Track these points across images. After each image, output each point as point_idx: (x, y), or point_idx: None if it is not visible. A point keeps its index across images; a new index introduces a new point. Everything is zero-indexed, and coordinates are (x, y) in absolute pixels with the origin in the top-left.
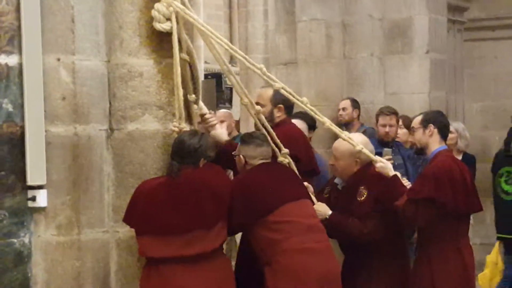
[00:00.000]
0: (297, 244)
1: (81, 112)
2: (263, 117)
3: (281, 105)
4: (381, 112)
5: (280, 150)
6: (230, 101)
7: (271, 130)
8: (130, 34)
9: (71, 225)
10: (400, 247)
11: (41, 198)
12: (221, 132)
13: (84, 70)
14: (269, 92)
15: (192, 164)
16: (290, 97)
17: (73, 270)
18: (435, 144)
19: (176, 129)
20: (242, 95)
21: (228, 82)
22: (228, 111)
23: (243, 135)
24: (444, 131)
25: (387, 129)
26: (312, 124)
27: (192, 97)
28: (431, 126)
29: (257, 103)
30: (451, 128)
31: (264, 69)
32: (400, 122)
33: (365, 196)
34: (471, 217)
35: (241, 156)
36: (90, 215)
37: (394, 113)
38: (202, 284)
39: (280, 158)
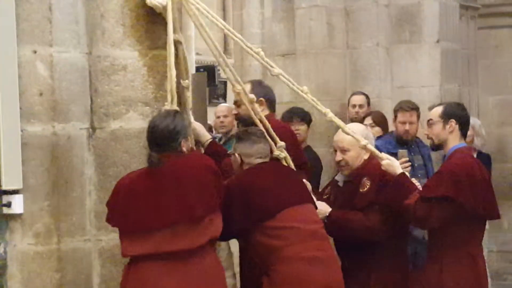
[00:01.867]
0: (298, 252)
1: (60, 109)
2: (257, 107)
3: (262, 99)
4: (400, 108)
5: (275, 143)
6: (224, 96)
7: (266, 121)
8: (112, 23)
9: (50, 233)
10: (402, 246)
11: (17, 204)
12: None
13: (62, 63)
14: (247, 87)
15: (173, 149)
16: (290, 84)
17: (53, 283)
18: (454, 140)
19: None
20: (235, 82)
21: (222, 75)
22: (230, 105)
23: (239, 132)
24: (465, 127)
25: (407, 126)
26: (310, 121)
27: (185, 82)
28: (453, 122)
29: (236, 102)
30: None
31: (262, 53)
32: (370, 120)
33: (368, 186)
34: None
35: (236, 155)
36: (70, 222)
37: (415, 108)
38: (186, 285)
39: (276, 152)
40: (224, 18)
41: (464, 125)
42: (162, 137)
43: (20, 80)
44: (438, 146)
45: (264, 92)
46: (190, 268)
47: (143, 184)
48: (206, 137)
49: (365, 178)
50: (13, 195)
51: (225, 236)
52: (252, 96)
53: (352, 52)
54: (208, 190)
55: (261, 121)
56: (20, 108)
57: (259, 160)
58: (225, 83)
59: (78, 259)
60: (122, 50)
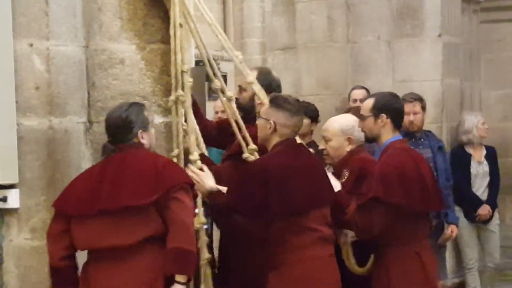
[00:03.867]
0: (314, 254)
1: (57, 103)
2: (234, 106)
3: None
4: (403, 99)
5: (247, 144)
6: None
7: (241, 121)
8: (110, 16)
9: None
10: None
11: (13, 199)
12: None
13: (59, 57)
14: (254, 73)
15: (128, 140)
16: (261, 95)
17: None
18: (387, 134)
19: (173, 98)
20: (213, 77)
21: (223, 69)
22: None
23: (275, 98)
24: (398, 119)
25: (411, 117)
26: (314, 116)
27: (185, 66)
28: (384, 116)
29: (239, 86)
30: (481, 120)
31: (241, 57)
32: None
33: (345, 177)
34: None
35: (271, 122)
36: None
37: (418, 99)
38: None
39: (245, 155)
40: (224, 12)
41: (397, 117)
42: (115, 128)
43: (17, 74)
44: (372, 140)
45: (265, 84)
46: (122, 268)
47: (93, 170)
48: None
49: (345, 170)
50: (9, 190)
51: (263, 219)
52: (230, 94)
53: (353, 46)
54: (146, 185)
55: (236, 122)
56: (16, 102)
57: (293, 135)
58: (225, 77)
59: None
60: (119, 44)
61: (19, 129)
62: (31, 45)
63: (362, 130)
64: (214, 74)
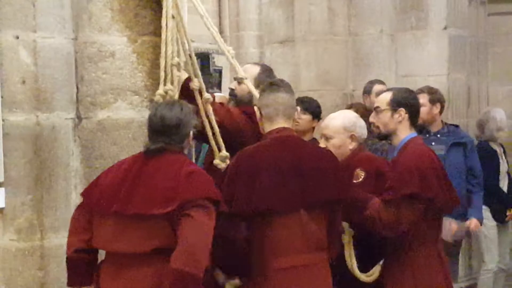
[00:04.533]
0: (294, 262)
1: (44, 98)
2: (210, 109)
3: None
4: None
5: (220, 150)
6: (219, 85)
7: (215, 125)
8: (100, 7)
9: (33, 229)
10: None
11: None
12: None
13: (47, 49)
14: (256, 69)
15: (179, 143)
16: (254, 91)
17: (35, 281)
18: (405, 130)
19: (162, 92)
20: (193, 77)
21: (217, 63)
22: (223, 95)
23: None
24: (415, 116)
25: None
26: (316, 113)
27: (175, 60)
28: (402, 111)
29: (240, 79)
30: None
31: (233, 52)
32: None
33: (362, 176)
34: None
35: (256, 108)
36: (54, 217)
37: (426, 91)
38: None
39: (216, 161)
40: (220, 4)
41: (414, 114)
42: (170, 127)
43: (2, 67)
44: (385, 136)
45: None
46: (131, 275)
47: (122, 164)
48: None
49: (359, 169)
50: None
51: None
52: (208, 96)
53: (354, 39)
54: (162, 194)
55: (210, 124)
56: (1, 97)
57: (278, 113)
58: (220, 71)
59: (62, 256)
60: (110, 36)
61: (4, 125)
62: (17, 37)
63: (374, 125)
64: (195, 75)
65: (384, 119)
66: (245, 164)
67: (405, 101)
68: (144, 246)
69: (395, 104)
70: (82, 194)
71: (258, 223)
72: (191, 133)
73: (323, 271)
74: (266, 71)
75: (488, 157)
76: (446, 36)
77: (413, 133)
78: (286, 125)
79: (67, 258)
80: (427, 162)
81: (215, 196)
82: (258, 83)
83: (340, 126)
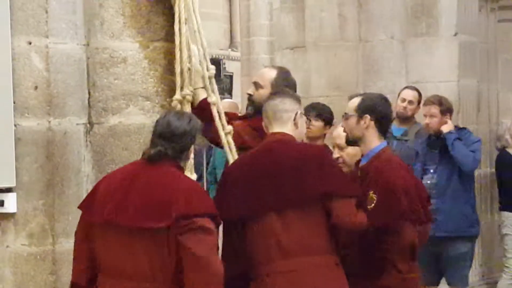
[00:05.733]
0: (278, 267)
1: (56, 104)
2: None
3: None
4: (424, 102)
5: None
6: (230, 91)
7: (231, 140)
8: (112, 13)
9: (45, 233)
10: None
11: (10, 203)
12: None
13: (59, 55)
14: (273, 73)
15: (179, 152)
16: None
17: (47, 286)
18: (373, 139)
19: (179, 98)
20: (210, 92)
21: (228, 69)
22: (233, 101)
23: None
24: (384, 124)
25: (427, 119)
26: (328, 119)
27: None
28: (367, 117)
29: (256, 83)
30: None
31: (213, 71)
32: None
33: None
34: None
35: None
36: (66, 222)
37: (436, 102)
38: None
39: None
40: (231, 9)
41: (383, 122)
42: (174, 136)
43: (14, 72)
44: (352, 142)
45: (285, 85)
46: None
47: (117, 173)
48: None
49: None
50: (5, 194)
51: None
52: (229, 128)
53: (365, 45)
54: (153, 208)
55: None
56: (14, 102)
57: (277, 118)
58: (231, 77)
59: None
60: (121, 42)
61: (16, 130)
62: (30, 42)
63: (344, 131)
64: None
65: (351, 125)
66: (227, 172)
67: (372, 108)
68: (143, 263)
69: (361, 111)
70: (80, 207)
71: (240, 231)
72: (192, 148)
73: (320, 276)
74: (283, 73)
75: (507, 164)
76: (457, 43)
77: (383, 143)
78: (280, 129)
79: (71, 282)
80: (411, 180)
81: (211, 210)
82: (275, 87)
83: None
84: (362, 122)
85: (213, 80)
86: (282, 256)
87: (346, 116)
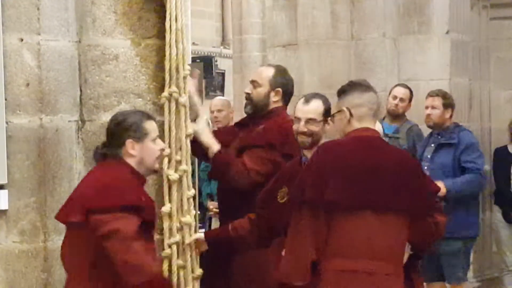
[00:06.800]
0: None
1: (48, 101)
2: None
3: (279, 89)
4: (427, 94)
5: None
6: (221, 88)
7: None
8: (104, 10)
9: (36, 231)
10: None
11: (1, 200)
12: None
13: (51, 52)
14: (270, 71)
15: (116, 148)
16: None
17: (39, 283)
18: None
19: (166, 95)
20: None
21: (220, 66)
22: (226, 99)
23: (343, 86)
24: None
25: (428, 110)
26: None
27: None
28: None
29: (253, 81)
30: None
31: (187, 73)
32: None
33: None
34: None
35: (344, 109)
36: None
37: (441, 95)
38: None
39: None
40: (223, 7)
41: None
42: (107, 129)
43: (6, 69)
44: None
45: (283, 83)
46: None
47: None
48: (213, 148)
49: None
50: None
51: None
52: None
53: (357, 43)
54: (75, 202)
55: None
56: (5, 99)
57: (371, 113)
58: (223, 74)
59: None
60: (113, 39)
61: (8, 128)
62: (21, 39)
63: (306, 135)
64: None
65: (317, 129)
66: (322, 158)
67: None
68: (71, 258)
69: (327, 113)
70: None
71: (323, 219)
72: (128, 143)
73: (385, 285)
74: (281, 72)
75: (501, 160)
76: (448, 41)
77: None
78: (371, 126)
79: None
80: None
81: (128, 202)
82: (273, 85)
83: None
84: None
85: (186, 80)
86: (369, 256)
87: (311, 121)
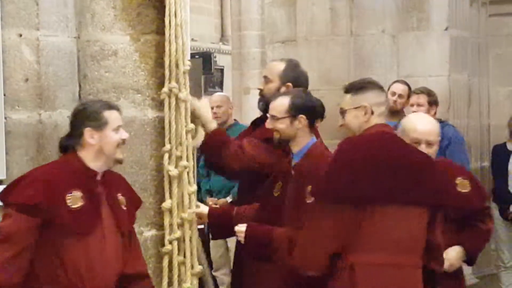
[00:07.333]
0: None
1: (47, 96)
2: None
3: (290, 84)
4: (413, 92)
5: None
6: (220, 84)
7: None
8: (103, 6)
9: None
10: None
11: None
12: (209, 115)
13: (50, 48)
14: (281, 65)
15: (75, 138)
16: None
17: None
18: (305, 136)
19: (166, 90)
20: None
21: (219, 63)
22: (225, 95)
23: (353, 83)
24: (314, 119)
25: (414, 108)
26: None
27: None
28: (302, 118)
29: (265, 77)
30: None
31: (187, 68)
32: None
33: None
34: None
35: (367, 105)
36: None
37: (425, 92)
38: None
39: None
40: (222, 4)
41: (313, 118)
42: (71, 122)
43: (5, 65)
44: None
45: (294, 77)
46: None
47: None
48: (212, 124)
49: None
50: None
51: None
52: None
53: (356, 40)
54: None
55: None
56: (4, 95)
57: (386, 112)
58: (222, 70)
59: None
60: (112, 35)
61: (6, 123)
62: (20, 35)
63: (273, 130)
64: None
65: (282, 127)
66: (351, 153)
67: (304, 107)
68: None
69: (294, 112)
70: None
71: (350, 213)
72: (87, 131)
73: (412, 278)
74: (292, 66)
75: (498, 157)
76: (448, 37)
77: (313, 139)
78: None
79: None
80: None
81: (23, 201)
82: (284, 80)
83: (437, 130)
84: (296, 122)
85: (186, 76)
86: (397, 249)
87: (275, 118)
